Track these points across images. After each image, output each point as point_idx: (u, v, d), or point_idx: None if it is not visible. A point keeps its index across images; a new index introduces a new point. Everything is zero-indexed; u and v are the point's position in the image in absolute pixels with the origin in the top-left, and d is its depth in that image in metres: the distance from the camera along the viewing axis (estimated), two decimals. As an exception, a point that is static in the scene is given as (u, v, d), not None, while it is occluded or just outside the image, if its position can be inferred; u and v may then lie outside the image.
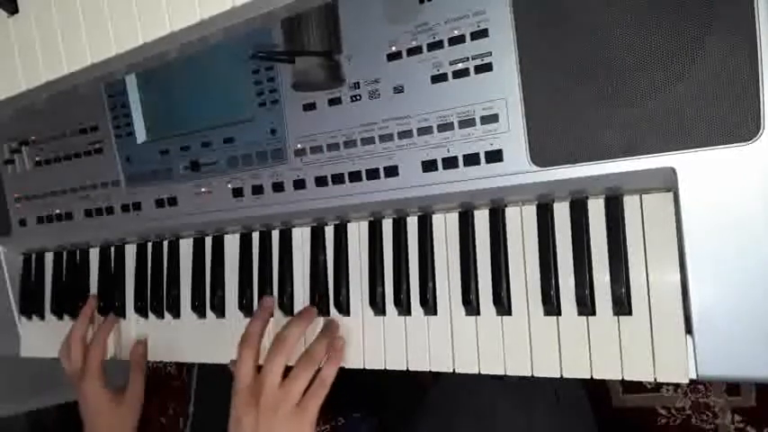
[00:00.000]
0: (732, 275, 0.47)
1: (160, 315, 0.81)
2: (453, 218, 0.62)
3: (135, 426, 0.81)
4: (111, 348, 0.84)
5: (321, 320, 0.68)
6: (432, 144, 0.57)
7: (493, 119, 0.54)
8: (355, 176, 0.61)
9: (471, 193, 0.57)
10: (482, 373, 0.59)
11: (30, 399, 1.36)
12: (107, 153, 0.76)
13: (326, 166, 0.62)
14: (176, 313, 0.79)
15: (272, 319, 0.71)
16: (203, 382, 1.10)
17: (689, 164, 0.48)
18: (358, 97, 0.60)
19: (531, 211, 0.58)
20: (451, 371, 0.61)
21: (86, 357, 0.80)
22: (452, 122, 0.56)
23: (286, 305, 0.71)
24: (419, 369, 0.63)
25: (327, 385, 0.64)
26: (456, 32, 0.55)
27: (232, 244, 0.75)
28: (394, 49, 0.57)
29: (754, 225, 0.46)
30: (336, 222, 0.68)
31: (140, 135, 0.74)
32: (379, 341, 0.65)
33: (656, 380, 0.52)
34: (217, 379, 0.97)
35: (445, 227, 0.63)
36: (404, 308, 0.64)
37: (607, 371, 0.54)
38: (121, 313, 0.84)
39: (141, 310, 0.81)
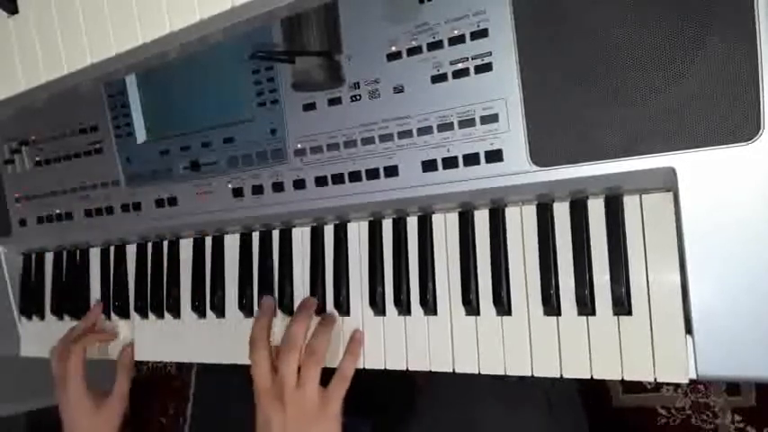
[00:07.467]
0: (732, 275, 0.47)
1: (160, 315, 0.81)
2: (453, 218, 0.62)
3: (117, 427, 0.80)
4: (108, 349, 0.84)
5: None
6: (432, 144, 0.57)
7: (493, 119, 0.54)
8: (355, 176, 0.61)
9: (471, 193, 0.57)
10: (482, 372, 0.59)
11: (30, 399, 1.36)
12: (107, 153, 0.76)
13: (326, 166, 0.62)
14: (176, 313, 0.79)
15: (275, 319, 0.71)
16: (203, 383, 1.09)
17: (689, 164, 0.48)
18: (358, 97, 0.60)
19: (531, 211, 0.58)
20: (451, 371, 0.61)
21: (69, 360, 0.79)
22: (452, 122, 0.56)
23: (286, 305, 0.71)
24: (419, 369, 0.63)
25: (347, 378, 0.64)
26: (456, 32, 0.55)
27: (232, 244, 0.75)
28: (394, 49, 0.57)
29: (754, 225, 0.46)
30: (336, 222, 0.68)
31: (140, 135, 0.74)
32: (379, 341, 0.65)
33: (656, 380, 0.52)
34: (216, 379, 0.97)
35: (445, 227, 0.63)
36: (404, 308, 0.64)
37: (607, 371, 0.54)
38: (121, 313, 0.84)
39: (141, 310, 0.81)
